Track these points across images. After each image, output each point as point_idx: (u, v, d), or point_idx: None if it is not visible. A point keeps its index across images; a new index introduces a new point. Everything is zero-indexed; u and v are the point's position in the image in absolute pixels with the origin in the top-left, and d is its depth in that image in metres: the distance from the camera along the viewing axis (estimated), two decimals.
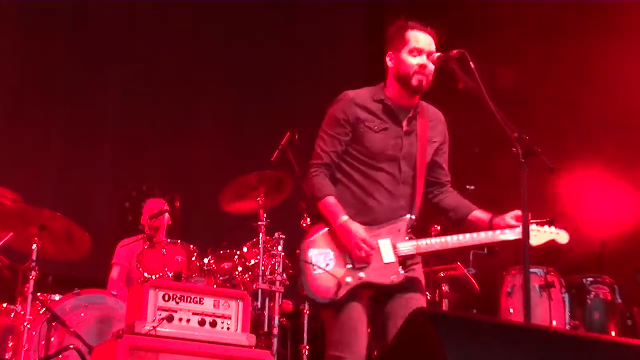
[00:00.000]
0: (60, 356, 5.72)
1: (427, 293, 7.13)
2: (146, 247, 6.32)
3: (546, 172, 4.20)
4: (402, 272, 4.22)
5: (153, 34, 9.40)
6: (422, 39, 4.34)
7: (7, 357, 5.98)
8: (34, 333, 5.87)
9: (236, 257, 6.65)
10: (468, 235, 4.30)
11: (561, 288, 6.92)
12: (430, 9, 9.10)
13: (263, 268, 6.35)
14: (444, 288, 7.18)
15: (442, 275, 7.22)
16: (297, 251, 4.29)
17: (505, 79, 8.49)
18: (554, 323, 6.79)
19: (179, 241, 6.40)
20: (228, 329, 5.05)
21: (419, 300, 4.29)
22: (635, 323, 7.04)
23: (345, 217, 4.22)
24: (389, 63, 4.41)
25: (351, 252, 4.20)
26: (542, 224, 4.30)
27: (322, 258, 4.22)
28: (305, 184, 4.42)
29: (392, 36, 4.41)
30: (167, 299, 4.96)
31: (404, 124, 4.39)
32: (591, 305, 6.95)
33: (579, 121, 8.20)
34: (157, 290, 4.97)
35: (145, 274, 6.16)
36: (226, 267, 6.64)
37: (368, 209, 4.30)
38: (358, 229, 4.21)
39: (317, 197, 4.30)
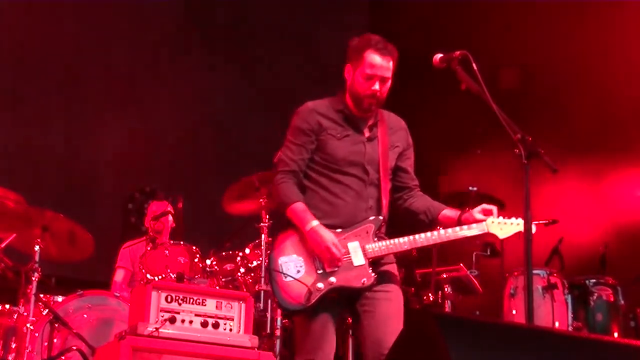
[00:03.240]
0: (63, 357, 5.72)
1: (430, 294, 7.16)
2: (149, 249, 6.32)
3: (549, 173, 4.22)
4: (372, 274, 4.27)
5: (154, 35, 9.41)
6: (378, 62, 4.37)
7: (9, 358, 5.99)
8: (37, 334, 5.87)
9: (238, 258, 6.65)
10: (435, 233, 4.36)
11: (564, 289, 6.91)
12: (431, 9, 9.15)
13: (265, 269, 6.34)
14: (446, 289, 7.17)
15: (444, 276, 7.22)
16: (267, 260, 4.36)
17: (508, 79, 8.50)
18: (557, 324, 6.78)
19: (182, 242, 6.40)
20: (230, 330, 5.05)
21: (393, 292, 4.35)
22: (638, 324, 7.03)
23: (315, 222, 4.28)
24: (346, 75, 4.50)
25: (320, 257, 4.25)
26: (508, 217, 4.38)
27: (292, 265, 4.28)
28: (273, 191, 4.47)
29: (352, 51, 4.47)
30: (169, 300, 4.96)
31: (365, 130, 4.47)
32: (594, 307, 6.94)
33: (580, 121, 8.20)
34: (160, 291, 4.97)
35: (148, 275, 6.16)
36: (228, 268, 6.64)
37: (336, 210, 4.36)
38: (328, 233, 4.26)
39: (285, 203, 4.35)
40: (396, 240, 4.33)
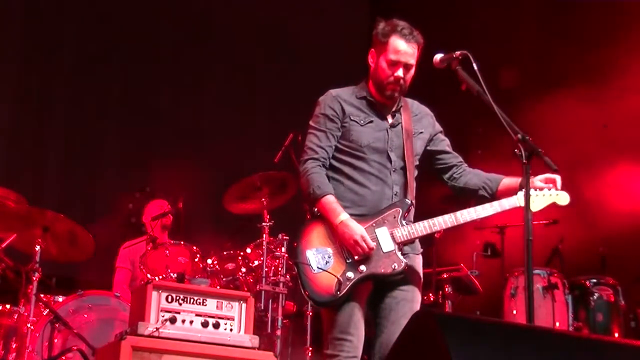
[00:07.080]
0: (64, 357, 5.73)
1: (430, 294, 7.16)
2: (149, 248, 6.32)
3: (549, 173, 4.22)
4: (403, 258, 4.20)
5: (154, 34, 9.41)
6: (402, 49, 4.32)
7: (10, 358, 5.99)
8: (37, 334, 5.88)
9: (239, 258, 6.66)
10: (465, 212, 4.26)
11: (564, 289, 6.92)
12: (431, 10, 9.15)
13: (266, 269, 6.36)
14: (447, 289, 7.19)
15: (445, 276, 7.23)
16: (294, 253, 4.28)
17: (508, 79, 8.50)
18: (557, 324, 6.79)
19: (182, 242, 6.41)
20: (231, 330, 5.05)
21: (410, 293, 4.29)
22: (638, 324, 7.03)
23: (345, 215, 4.20)
24: (370, 61, 4.44)
25: (349, 249, 4.18)
26: (541, 188, 4.29)
27: (320, 257, 4.21)
28: (301, 179, 4.38)
29: (376, 35, 4.40)
30: (170, 300, 4.96)
31: (388, 117, 4.42)
32: (594, 307, 6.94)
33: (580, 121, 8.19)
34: (160, 291, 4.97)
35: (148, 275, 6.17)
36: (229, 268, 6.65)
37: (363, 199, 4.29)
38: (357, 226, 4.18)
39: (317, 195, 4.27)
40: (425, 222, 4.25)
